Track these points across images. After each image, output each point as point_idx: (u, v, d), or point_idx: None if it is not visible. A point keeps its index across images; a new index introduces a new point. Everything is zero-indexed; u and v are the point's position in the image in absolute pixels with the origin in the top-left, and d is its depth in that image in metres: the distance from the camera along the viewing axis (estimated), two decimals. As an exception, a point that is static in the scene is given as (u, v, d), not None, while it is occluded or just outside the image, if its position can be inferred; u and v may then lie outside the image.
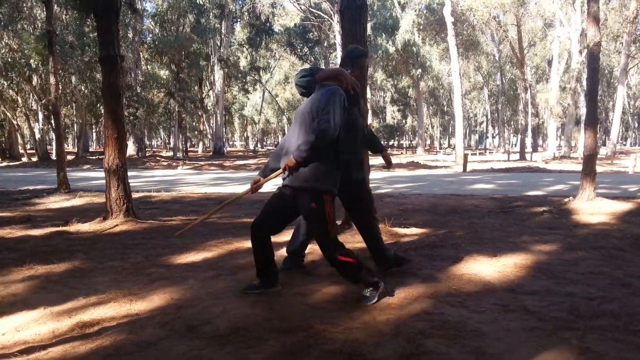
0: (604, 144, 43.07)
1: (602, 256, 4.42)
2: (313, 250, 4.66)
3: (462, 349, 2.55)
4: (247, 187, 3.71)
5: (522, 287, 3.54)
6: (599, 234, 5.43)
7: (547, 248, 4.76)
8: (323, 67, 3.61)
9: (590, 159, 7.54)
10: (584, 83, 13.14)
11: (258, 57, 43.15)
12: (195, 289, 3.58)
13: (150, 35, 32.81)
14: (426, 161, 26.24)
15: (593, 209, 6.98)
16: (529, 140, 42.17)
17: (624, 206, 7.19)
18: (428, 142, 63.11)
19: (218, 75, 34.87)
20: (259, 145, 58.14)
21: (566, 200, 7.77)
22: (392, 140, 58.95)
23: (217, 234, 5.62)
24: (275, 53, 45.75)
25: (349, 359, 2.44)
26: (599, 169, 8.86)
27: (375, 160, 26.74)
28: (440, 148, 55.47)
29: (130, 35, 30.24)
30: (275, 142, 73.07)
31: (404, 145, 60.59)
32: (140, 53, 32.82)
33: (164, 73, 35.93)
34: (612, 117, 34.21)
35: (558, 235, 5.38)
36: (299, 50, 39.90)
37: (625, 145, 61.73)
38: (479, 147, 54.17)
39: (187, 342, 2.66)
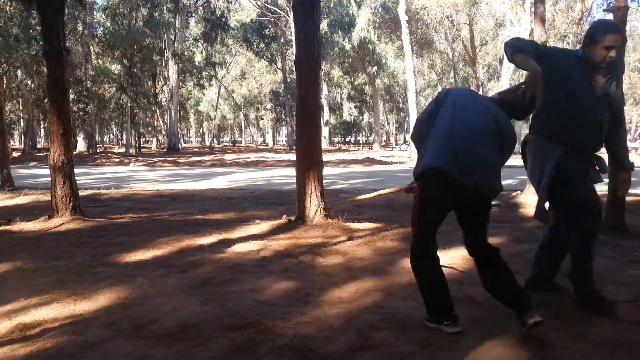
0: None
1: (546, 248, 4.58)
2: (265, 246, 4.65)
3: (410, 340, 2.59)
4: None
5: (470, 279, 3.62)
6: (544, 227, 5.63)
7: (495, 241, 4.88)
8: None
9: (536, 155, 7.79)
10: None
11: (214, 53, 42.52)
12: (144, 287, 3.50)
13: (101, 29, 31.78)
14: (382, 157, 26.55)
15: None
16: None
17: (568, 200, 7.47)
18: (384, 138, 63.81)
19: (172, 70, 34.15)
20: (215, 142, 57.42)
21: (514, 194, 8.03)
22: (349, 137, 59.41)
23: (168, 231, 5.51)
24: (231, 48, 45.21)
25: (298, 354, 2.44)
26: (545, 164, 9.12)
27: (331, 156, 26.88)
28: (396, 144, 56.20)
29: (80, 28, 29.20)
30: (232, 139, 72.28)
31: (361, 142, 61.14)
32: (91, 47, 31.74)
33: (115, 68, 34.84)
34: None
35: (505, 229, 5.56)
36: (255, 46, 39.54)
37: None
38: (434, 144, 54.96)
39: (134, 342, 2.60)
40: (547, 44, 7.98)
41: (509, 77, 32.66)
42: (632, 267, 3.98)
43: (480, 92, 36.27)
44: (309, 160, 5.62)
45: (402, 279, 3.65)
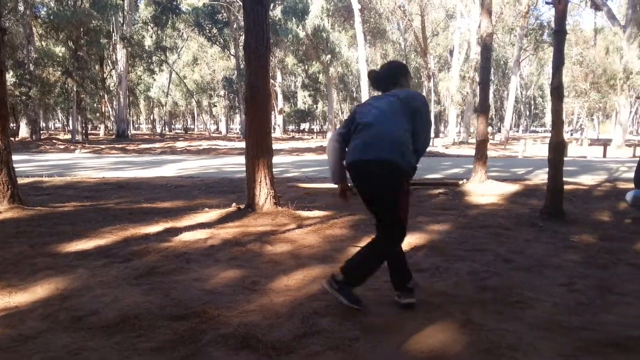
0: (499, 131, 46.10)
1: (489, 234, 4.74)
2: (213, 234, 4.59)
3: (354, 325, 2.63)
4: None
5: (415, 265, 3.69)
6: (487, 214, 5.82)
7: (440, 228, 5.02)
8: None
9: (482, 144, 8.03)
10: (480, 72, 13.83)
11: (164, 37, 41.37)
12: (84, 278, 3.39)
13: (45, 9, 30.27)
14: (335, 146, 26.66)
15: (484, 190, 7.46)
16: (432, 126, 44.09)
17: (512, 188, 7.75)
18: (338, 126, 64.03)
19: (121, 54, 33.03)
20: (166, 129, 56.12)
21: (461, 182, 8.24)
22: (304, 125, 59.34)
23: (113, 220, 5.35)
24: (182, 33, 44.13)
25: (242, 342, 2.43)
26: (493, 153, 9.47)
27: (285, 144, 26.79)
28: (350, 133, 56.54)
29: (21, 8, 27.72)
30: (185, 126, 70.83)
31: (315, 130, 61.19)
32: (34, 28, 30.20)
33: (60, 50, 33.33)
34: (507, 105, 36.67)
35: (451, 216, 5.70)
36: (207, 31, 38.69)
37: (518, 132, 66.44)
38: (386, 133, 55.72)
39: (71, 334, 2.51)
40: (493, 36, 8.17)
41: (459, 68, 33.39)
42: (568, 252, 4.16)
43: (432, 83, 37.02)
44: (258, 148, 5.57)
45: (349, 266, 3.68)
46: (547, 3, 5.53)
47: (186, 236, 4.53)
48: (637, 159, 5.53)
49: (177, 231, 4.74)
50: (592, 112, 30.59)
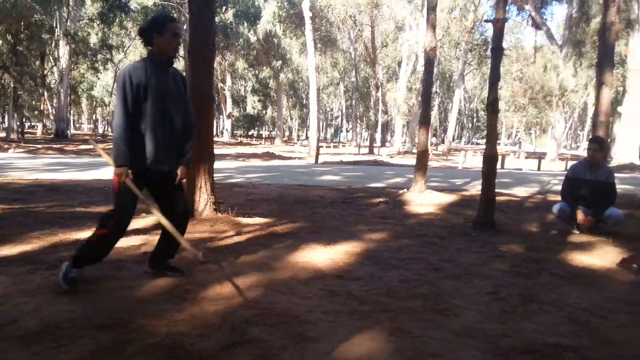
0: (443, 142, 47.43)
1: (423, 243, 4.87)
2: (148, 241, 4.49)
3: (285, 334, 2.63)
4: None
5: (349, 273, 3.75)
6: (424, 223, 5.98)
7: (378, 236, 5.11)
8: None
9: (422, 155, 8.25)
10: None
11: (111, 35, 40.15)
12: (5, 285, 3.22)
13: (-19, 1, 28.74)
14: (282, 152, 26.68)
15: (423, 200, 7.65)
16: (378, 136, 44.96)
17: (449, 198, 7.99)
18: (287, 133, 64.18)
19: (64, 50, 31.78)
20: (109, 129, 54.34)
21: (401, 192, 8.43)
22: (252, 130, 58.93)
23: (42, 224, 5.12)
24: (130, 32, 42.94)
25: (168, 352, 2.38)
26: (435, 164, 9.74)
27: (232, 149, 26.54)
28: (298, 139, 56.71)
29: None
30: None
31: (263, 136, 60.95)
32: (-33, 19, 28.64)
33: (-4, 44, 31.78)
34: (450, 117, 37.78)
35: (389, 225, 5.81)
36: (157, 31, 37.81)
37: (460, 143, 68.63)
38: (334, 140, 56.41)
39: (-15, 345, 2.39)
40: (438, 49, 8.43)
41: (406, 79, 34.16)
42: (496, 261, 4.33)
43: (380, 93, 37.68)
44: (199, 153, 5.47)
45: (285, 274, 3.69)
46: (486, 21, 5.77)
47: (119, 242, 4.39)
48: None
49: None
50: (530, 127, 31.99)
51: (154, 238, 4.58)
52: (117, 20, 36.32)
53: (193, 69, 5.53)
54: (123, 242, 4.39)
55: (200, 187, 5.51)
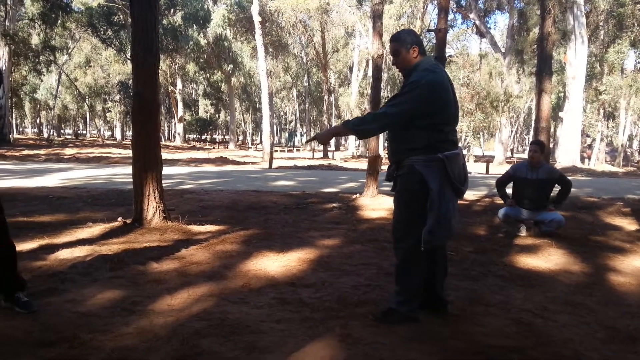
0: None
1: (375, 248, 4.93)
2: (94, 251, 4.35)
3: (236, 345, 2.60)
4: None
5: (302, 281, 3.76)
6: (375, 228, 6.05)
7: (330, 242, 5.14)
8: None
9: (374, 160, 8.36)
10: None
11: (54, 36, 38.70)
12: (-63, 303, 3.05)
13: None
14: (236, 157, 26.44)
15: (375, 204, 7.75)
16: (333, 140, 45.24)
17: (400, 202, 8.11)
18: (241, 137, 63.68)
19: (2, 51, 30.42)
20: (54, 134, 52.34)
21: (354, 196, 8.51)
22: (205, 134, 58.12)
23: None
24: (74, 33, 41.52)
25: (115, 368, 2.32)
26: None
27: (184, 154, 26.06)
28: (252, 144, 56.35)
29: None
30: (76, 131, 66.53)
31: (217, 140, 60.19)
32: None
33: None
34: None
35: (342, 230, 5.86)
36: (102, 32, 36.73)
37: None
38: (289, 145, 56.38)
39: None
40: (383, 57, 8.56)
41: (358, 84, 34.56)
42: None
43: (332, 97, 37.92)
44: (146, 160, 5.37)
45: (237, 283, 3.65)
46: (429, 31, 5.92)
47: (63, 254, 4.24)
48: None
49: (54, 248, 4.43)
50: (478, 131, 33.01)
51: (101, 248, 4.46)
52: (59, 21, 35.10)
53: (136, 75, 5.39)
54: (68, 254, 4.25)
55: (149, 195, 5.39)
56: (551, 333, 2.93)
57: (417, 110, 2.88)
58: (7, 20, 30.50)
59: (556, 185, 5.86)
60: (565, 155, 24.80)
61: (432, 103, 2.88)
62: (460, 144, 3.53)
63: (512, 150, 51.27)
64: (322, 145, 31.30)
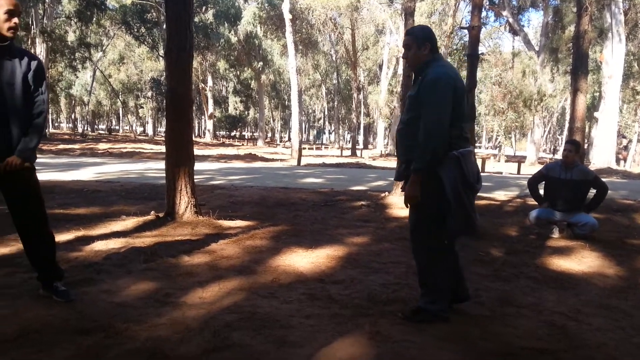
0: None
1: (404, 247, 4.90)
2: (128, 244, 4.45)
3: (266, 339, 2.64)
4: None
5: (330, 277, 3.77)
6: (404, 227, 6.01)
7: (359, 240, 5.14)
8: None
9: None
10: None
11: (89, 33, 39.65)
12: (-18, 289, 3.18)
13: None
14: (265, 154, 26.61)
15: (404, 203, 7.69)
16: (361, 138, 45.17)
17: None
18: (269, 134, 64.07)
19: (40, 48, 31.29)
20: (89, 129, 53.63)
21: (383, 195, 8.47)
22: (235, 131, 58.69)
23: (19, 227, 5.04)
24: (109, 30, 42.47)
25: (149, 357, 2.37)
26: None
27: (214, 150, 26.37)
28: (281, 141, 56.62)
29: None
30: (109, 127, 68.06)
31: (246, 137, 60.71)
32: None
33: (-30, 41, 31.08)
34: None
35: (370, 228, 5.85)
36: (135, 30, 37.44)
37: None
38: (317, 142, 56.53)
39: (-39, 351, 2.36)
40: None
41: (387, 82, 34.34)
42: (476, 265, 4.38)
43: (361, 95, 37.77)
44: (179, 156, 5.47)
45: (267, 278, 3.69)
46: (461, 28, 5.85)
47: (99, 245, 4.36)
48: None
49: (90, 240, 4.56)
50: (510, 130, 32.45)
51: (135, 241, 4.56)
52: (94, 19, 35.92)
53: (170, 71, 5.49)
54: (103, 245, 4.36)
55: (181, 190, 5.49)
56: (585, 337, 2.88)
57: (450, 106, 2.83)
58: (45, 18, 31.35)
59: (592, 188, 5.72)
60: (600, 157, 24.15)
61: (454, 98, 2.84)
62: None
63: (553, 150, 50.22)
64: (350, 143, 31.17)
